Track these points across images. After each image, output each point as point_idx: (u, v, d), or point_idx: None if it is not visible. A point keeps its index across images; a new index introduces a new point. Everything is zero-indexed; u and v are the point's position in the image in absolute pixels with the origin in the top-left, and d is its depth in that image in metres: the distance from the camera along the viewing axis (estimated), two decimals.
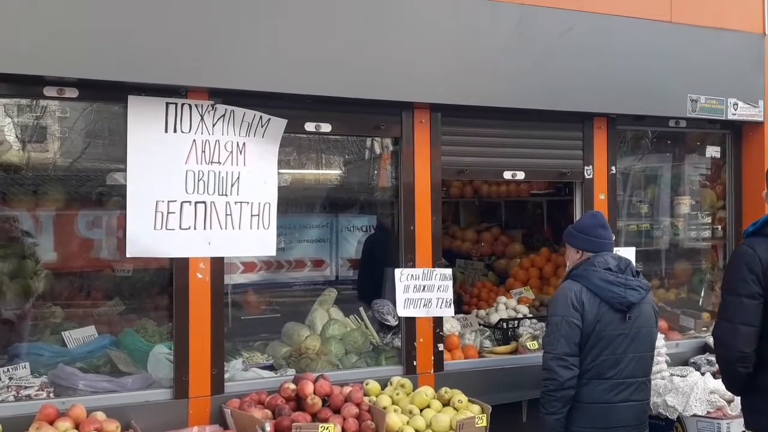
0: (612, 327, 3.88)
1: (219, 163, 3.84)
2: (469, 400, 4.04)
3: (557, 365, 3.83)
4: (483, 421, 3.84)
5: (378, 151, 5.75)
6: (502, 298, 5.60)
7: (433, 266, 4.42)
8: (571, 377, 3.83)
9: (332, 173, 6.62)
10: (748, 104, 5.22)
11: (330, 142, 5.97)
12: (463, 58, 4.34)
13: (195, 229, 3.77)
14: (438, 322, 4.44)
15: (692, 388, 4.45)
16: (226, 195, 3.85)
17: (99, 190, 4.64)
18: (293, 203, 6.10)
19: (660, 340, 4.76)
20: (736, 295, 3.40)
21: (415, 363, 4.34)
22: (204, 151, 3.80)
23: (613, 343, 3.88)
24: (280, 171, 5.40)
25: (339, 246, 6.28)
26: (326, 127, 4.15)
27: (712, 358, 4.99)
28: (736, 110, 5.18)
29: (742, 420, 3.78)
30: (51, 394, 3.66)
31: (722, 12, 5.19)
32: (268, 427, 3.46)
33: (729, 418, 4.27)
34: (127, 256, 3.71)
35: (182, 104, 3.76)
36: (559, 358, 3.83)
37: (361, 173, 6.35)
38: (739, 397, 3.76)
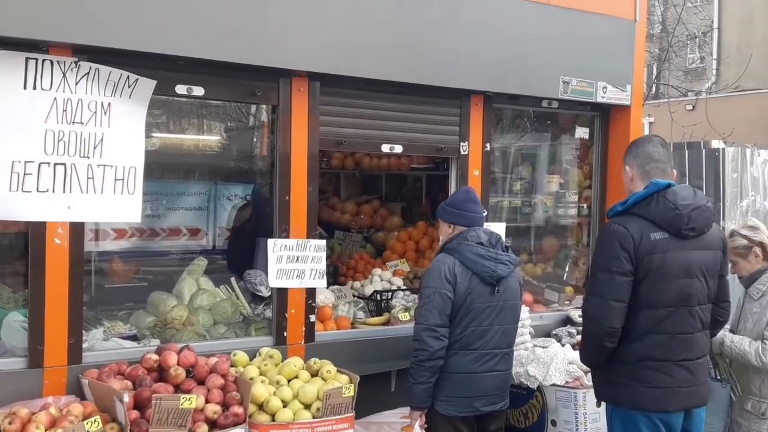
0: (481, 300, 4.00)
1: (81, 123, 3.65)
2: (338, 371, 4.06)
3: (428, 336, 3.91)
4: (350, 391, 3.86)
5: (263, 118, 5.65)
6: (378, 270, 5.66)
7: (308, 237, 4.39)
8: (440, 348, 3.92)
9: (212, 139, 6.48)
10: (617, 88, 5.43)
11: (212, 107, 5.83)
12: (344, 28, 4.29)
13: (54, 192, 3.58)
14: (311, 293, 4.43)
15: (552, 358, 4.64)
16: (88, 157, 3.67)
17: None
18: (170, 169, 5.94)
19: (525, 313, 4.93)
20: (609, 272, 3.54)
21: (285, 334, 4.31)
22: (65, 110, 3.60)
23: (481, 315, 4.00)
24: (156, 135, 5.25)
25: (217, 214, 6.17)
26: (199, 91, 4.01)
27: (573, 330, 5.22)
28: (605, 93, 5.38)
29: None
30: None
31: None
32: (126, 398, 3.36)
33: (585, 388, 4.48)
34: None
35: (43, 60, 3.55)
36: (430, 329, 3.92)
37: (244, 141, 6.24)
38: (591, 370, 3.96)
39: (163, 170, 5.75)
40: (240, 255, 5.29)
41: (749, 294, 4.36)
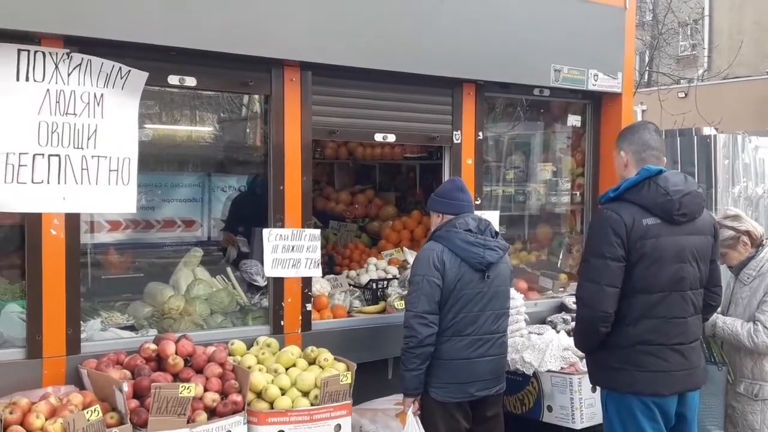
0: (471, 286, 4.03)
1: (75, 114, 3.66)
2: (335, 359, 4.08)
3: (417, 323, 3.95)
4: (348, 379, 3.88)
5: (256, 109, 5.67)
6: (373, 259, 5.68)
7: (303, 227, 4.41)
8: (430, 334, 3.96)
9: (206, 130, 6.48)
10: (608, 76, 5.46)
11: (204, 98, 5.83)
12: (336, 17, 4.30)
13: (48, 183, 3.59)
14: (307, 282, 4.45)
15: (548, 345, 4.68)
16: (82, 148, 3.68)
17: None
18: (164, 160, 5.94)
19: (519, 300, 4.98)
20: (602, 257, 3.57)
21: (282, 323, 4.34)
22: (59, 102, 3.61)
23: (472, 301, 4.04)
24: (147, 126, 5.25)
25: (212, 206, 6.18)
26: (191, 81, 4.02)
27: (568, 317, 5.26)
28: (596, 81, 5.41)
29: None
30: None
31: None
32: (125, 387, 3.38)
33: (580, 374, 4.52)
34: None
35: (35, 51, 3.55)
36: (420, 316, 3.96)
37: (238, 131, 6.25)
38: (585, 355, 3.99)
39: (156, 162, 5.75)
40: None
41: (740, 279, 4.40)
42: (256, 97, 4.88)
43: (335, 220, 6.86)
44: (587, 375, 4.05)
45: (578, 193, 5.91)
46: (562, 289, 5.67)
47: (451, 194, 4.22)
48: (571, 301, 5.38)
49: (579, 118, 5.81)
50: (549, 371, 4.62)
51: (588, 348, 3.85)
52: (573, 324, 5.06)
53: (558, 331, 5.00)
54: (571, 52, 5.25)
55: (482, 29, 4.83)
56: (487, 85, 5.09)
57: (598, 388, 3.96)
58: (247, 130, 6.05)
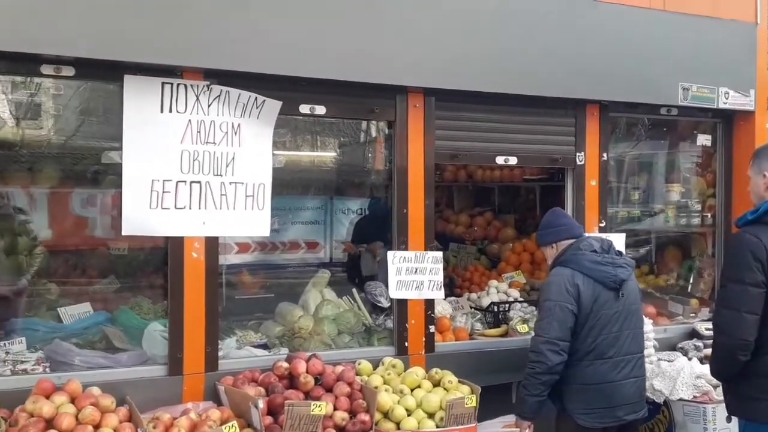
0: (608, 306, 3.96)
1: (214, 143, 3.87)
2: (459, 381, 4.09)
3: (548, 349, 3.88)
4: (472, 402, 3.88)
5: (374, 134, 5.79)
6: (494, 282, 5.65)
7: (426, 249, 4.46)
8: (559, 362, 3.89)
9: (327, 155, 6.66)
10: (739, 93, 5.26)
11: (325, 124, 6.01)
12: (457, 44, 4.36)
13: (190, 208, 3.80)
14: (429, 304, 4.49)
15: (679, 372, 4.52)
16: (220, 175, 3.88)
17: (94, 169, 4.66)
18: (288, 185, 6.15)
19: (648, 325, 4.83)
20: (741, 283, 3.45)
21: (406, 344, 4.39)
22: (199, 132, 3.83)
23: (611, 322, 3.96)
24: (275, 152, 5.45)
25: (333, 228, 6.33)
26: (321, 110, 4.17)
27: (700, 343, 5.06)
28: (727, 99, 5.22)
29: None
30: (47, 369, 3.70)
31: (715, 0, 5.21)
32: (260, 403, 3.51)
33: (714, 403, 4.35)
34: (123, 234, 3.74)
35: (178, 84, 3.79)
36: (551, 342, 3.89)
37: (357, 156, 6.39)
38: (722, 384, 3.83)
39: (281, 186, 5.95)
40: (357, 267, 5.43)
41: None
42: (374, 122, 4.99)
43: (454, 243, 6.88)
44: (721, 404, 3.88)
45: (709, 215, 5.69)
46: (693, 314, 5.46)
47: (557, 221, 4.23)
48: (703, 327, 5.18)
49: (709, 137, 5.62)
50: (681, 400, 4.46)
51: (726, 377, 3.70)
52: (706, 351, 4.88)
53: (690, 359, 4.81)
54: (700, 69, 5.10)
55: (607, 49, 4.78)
56: (612, 106, 5.01)
57: (734, 419, 3.79)
58: (368, 155, 6.17)
